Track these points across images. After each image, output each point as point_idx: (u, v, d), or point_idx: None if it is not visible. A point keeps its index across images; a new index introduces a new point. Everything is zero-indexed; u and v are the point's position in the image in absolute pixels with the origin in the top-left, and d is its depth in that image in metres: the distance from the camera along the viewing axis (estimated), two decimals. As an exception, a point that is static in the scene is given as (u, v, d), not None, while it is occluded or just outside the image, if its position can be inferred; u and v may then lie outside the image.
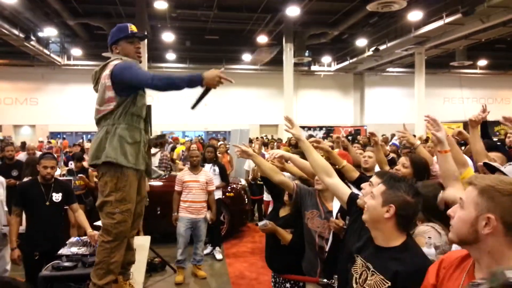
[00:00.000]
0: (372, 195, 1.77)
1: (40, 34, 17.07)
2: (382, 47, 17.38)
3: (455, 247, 1.64)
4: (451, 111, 22.67)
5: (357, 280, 1.75)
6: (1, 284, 0.83)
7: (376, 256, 1.72)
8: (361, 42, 18.48)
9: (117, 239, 2.72)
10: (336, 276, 2.40)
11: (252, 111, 23.47)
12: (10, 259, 3.70)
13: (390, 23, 16.81)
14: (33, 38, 15.84)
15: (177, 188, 5.32)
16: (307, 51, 20.06)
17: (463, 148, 3.91)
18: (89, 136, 20.72)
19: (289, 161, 3.24)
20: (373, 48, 17.64)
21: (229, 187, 6.82)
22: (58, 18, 15.87)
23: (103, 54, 15.74)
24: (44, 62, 20.00)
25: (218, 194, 6.11)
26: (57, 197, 3.73)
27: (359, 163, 3.75)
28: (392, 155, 5.90)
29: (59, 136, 22.00)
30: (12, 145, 7.33)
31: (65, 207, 3.91)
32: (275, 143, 11.35)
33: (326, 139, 9.40)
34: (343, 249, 2.10)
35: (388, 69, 23.78)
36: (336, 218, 2.63)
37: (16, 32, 14.79)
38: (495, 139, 7.18)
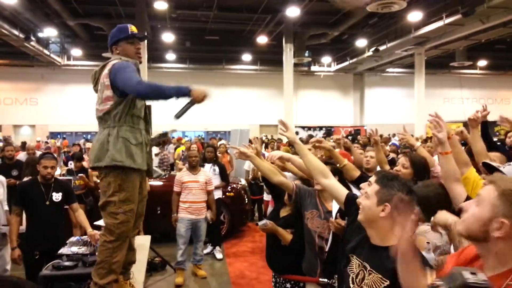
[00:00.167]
0: (366, 195, 1.77)
1: (40, 35, 17.08)
2: (382, 48, 17.40)
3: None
4: (451, 111, 22.62)
5: (354, 280, 1.75)
6: (8, 284, 0.83)
7: (373, 255, 1.72)
8: (361, 42, 18.50)
9: (120, 239, 2.73)
10: (336, 276, 2.40)
11: (252, 111, 23.49)
12: (10, 259, 3.71)
13: (390, 24, 16.83)
14: (33, 38, 15.86)
15: (176, 189, 5.29)
16: (307, 52, 20.08)
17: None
18: (89, 136, 20.72)
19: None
20: (373, 49, 17.66)
21: (229, 187, 6.82)
22: (58, 19, 15.88)
23: (104, 54, 15.77)
24: (44, 63, 20.02)
25: (218, 194, 6.10)
26: (57, 196, 3.73)
27: (362, 164, 3.75)
28: (392, 155, 5.90)
29: (59, 136, 22.01)
30: (12, 145, 7.33)
31: (65, 207, 3.91)
32: (275, 144, 11.33)
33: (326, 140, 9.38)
34: (342, 249, 2.10)
35: (388, 70, 23.82)
36: (336, 218, 2.63)
37: (16, 32, 14.81)
38: (495, 139, 7.18)
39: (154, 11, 14.89)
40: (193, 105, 2.62)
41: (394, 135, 16.58)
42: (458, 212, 1.48)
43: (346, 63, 21.53)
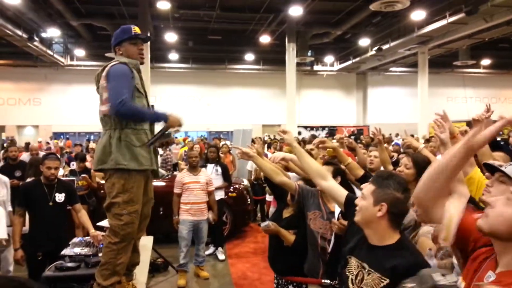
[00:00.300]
0: (363, 196, 1.77)
1: (43, 35, 17.12)
2: (385, 47, 17.34)
3: None
4: (454, 110, 22.42)
5: (353, 281, 1.74)
6: (17, 285, 0.83)
7: (371, 255, 1.72)
8: (364, 41, 18.44)
9: (124, 240, 2.73)
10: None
11: (255, 111, 23.46)
12: (13, 260, 3.71)
13: (393, 23, 16.78)
14: (36, 38, 15.90)
15: (176, 190, 5.22)
16: (310, 51, 20.04)
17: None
18: (92, 136, 20.77)
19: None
20: (376, 48, 17.60)
21: (232, 187, 6.81)
22: (61, 19, 15.92)
23: (107, 54, 15.81)
24: (47, 63, 20.07)
25: (220, 194, 6.09)
26: (60, 197, 3.73)
27: (366, 164, 3.73)
28: (395, 155, 5.86)
29: (62, 136, 22.07)
30: (16, 145, 7.35)
31: (68, 208, 3.92)
32: (278, 144, 11.32)
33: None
34: (342, 251, 2.09)
35: (391, 69, 23.73)
36: (338, 219, 2.62)
37: (19, 32, 14.85)
38: (498, 138, 7.15)
39: (157, 11, 14.90)
40: (167, 130, 2.81)
41: (397, 134, 16.56)
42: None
43: (349, 62, 21.47)
